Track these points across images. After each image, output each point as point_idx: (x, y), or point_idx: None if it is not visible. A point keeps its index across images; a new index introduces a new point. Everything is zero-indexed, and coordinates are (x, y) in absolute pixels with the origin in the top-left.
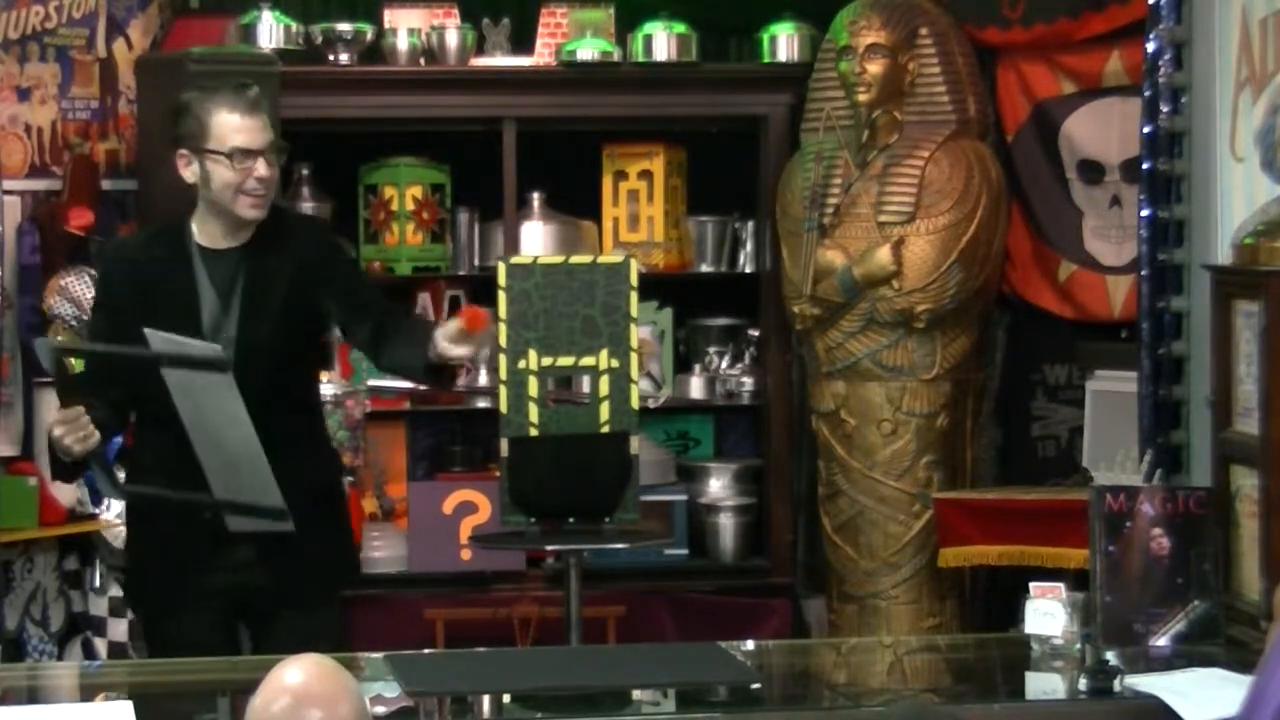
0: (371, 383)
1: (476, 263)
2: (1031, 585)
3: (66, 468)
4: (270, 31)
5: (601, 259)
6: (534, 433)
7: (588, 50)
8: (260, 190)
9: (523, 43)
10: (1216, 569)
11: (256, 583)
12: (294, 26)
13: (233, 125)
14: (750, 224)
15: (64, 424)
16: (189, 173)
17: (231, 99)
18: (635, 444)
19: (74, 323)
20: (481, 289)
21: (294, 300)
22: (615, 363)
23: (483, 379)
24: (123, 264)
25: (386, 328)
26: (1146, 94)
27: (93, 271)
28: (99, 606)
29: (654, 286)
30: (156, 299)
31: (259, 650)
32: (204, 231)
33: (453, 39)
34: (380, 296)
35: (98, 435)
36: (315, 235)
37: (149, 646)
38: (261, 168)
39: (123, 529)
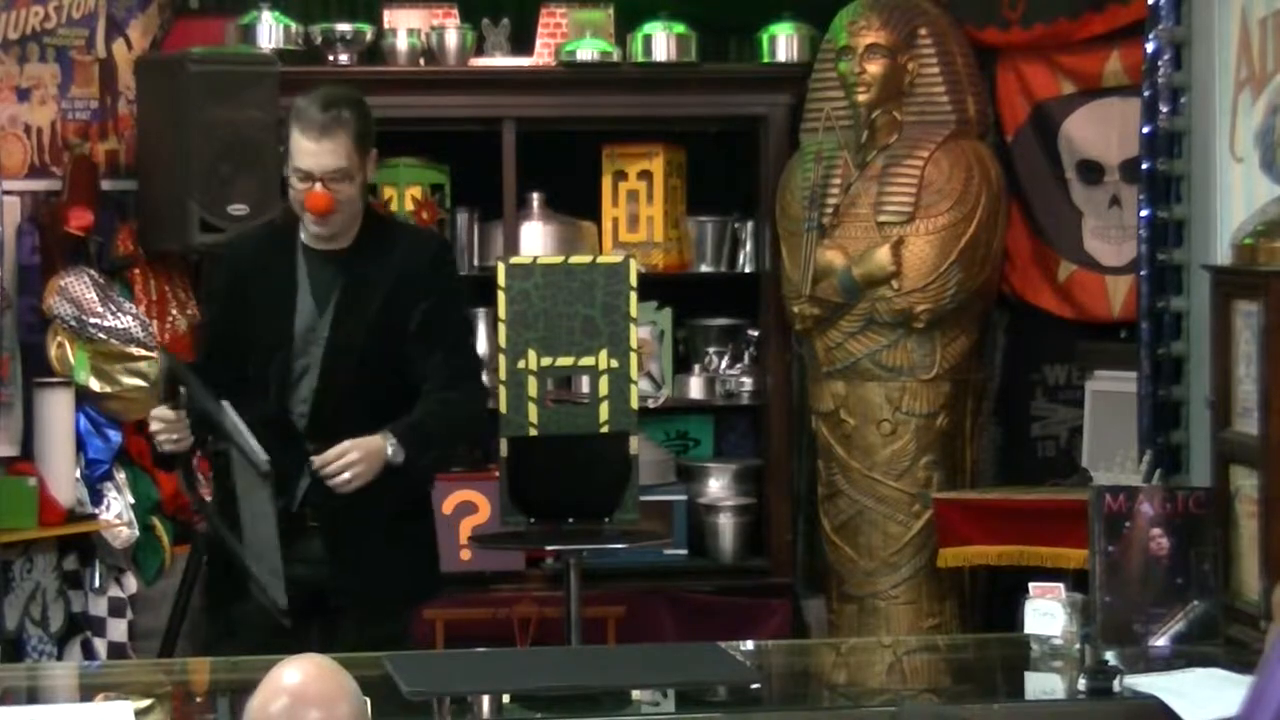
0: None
1: (476, 263)
2: (1031, 585)
3: (164, 459)
4: (270, 32)
5: (601, 259)
6: (534, 433)
7: (587, 50)
8: (318, 212)
9: (522, 43)
10: (1216, 569)
11: (326, 581)
12: (294, 27)
13: (301, 148)
14: (750, 224)
15: (162, 421)
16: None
17: (307, 120)
18: (635, 444)
19: (73, 323)
20: (481, 289)
21: (389, 309)
22: (615, 363)
23: (483, 379)
24: (233, 257)
25: (434, 387)
26: (1146, 94)
27: (92, 272)
28: (99, 606)
29: (653, 286)
30: (257, 295)
31: (323, 650)
32: (307, 233)
33: (452, 39)
34: (459, 355)
35: (191, 440)
36: (424, 248)
37: (210, 634)
38: (319, 191)
39: (123, 529)
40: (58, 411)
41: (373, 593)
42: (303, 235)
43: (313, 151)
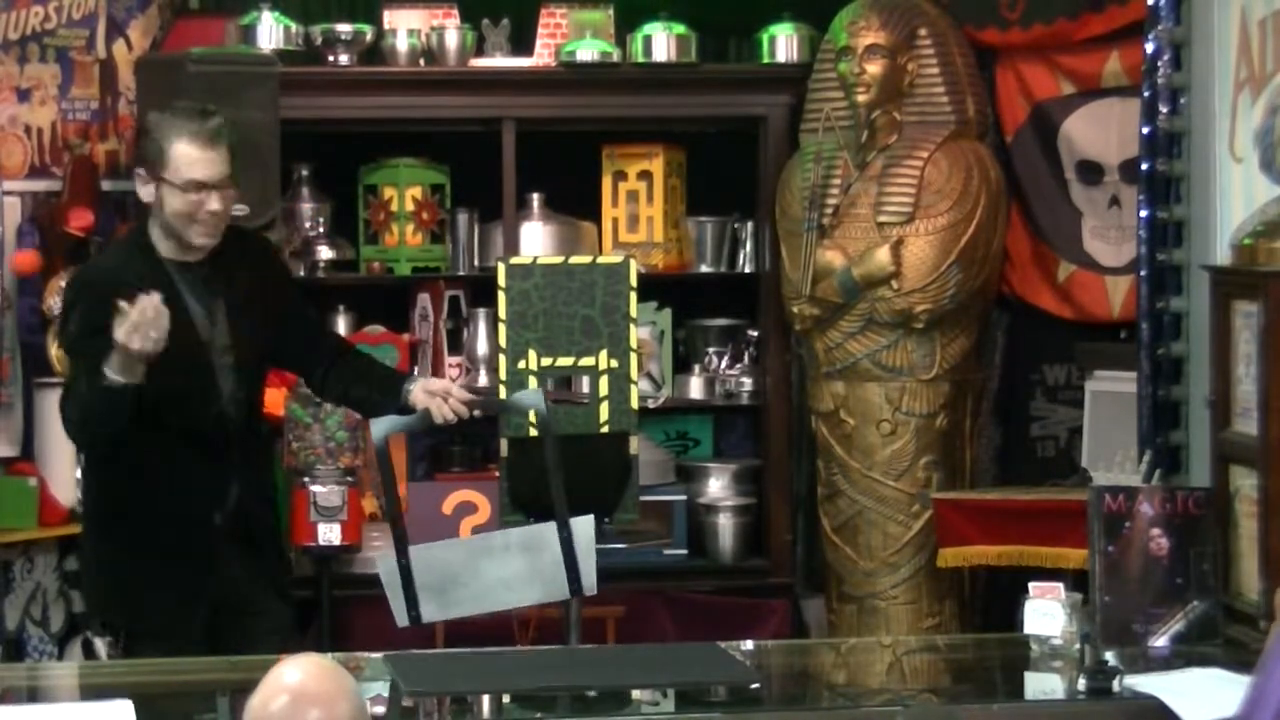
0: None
1: (476, 263)
2: (1031, 585)
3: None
4: (270, 32)
5: (601, 259)
6: (533, 433)
7: (587, 51)
8: (212, 221)
9: (522, 43)
10: (1215, 569)
11: (237, 580)
12: (294, 27)
13: (190, 157)
14: (749, 224)
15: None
16: (145, 192)
17: (193, 130)
18: (635, 444)
19: None
20: (481, 289)
21: (265, 312)
22: (615, 363)
23: (482, 379)
24: (102, 289)
25: (344, 366)
26: (1145, 95)
27: None
28: None
29: (653, 287)
30: None
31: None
32: (165, 247)
33: (452, 39)
34: (329, 329)
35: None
36: (262, 246)
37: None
38: (214, 201)
39: None
40: (58, 411)
41: (264, 584)
42: (162, 249)
43: (206, 159)
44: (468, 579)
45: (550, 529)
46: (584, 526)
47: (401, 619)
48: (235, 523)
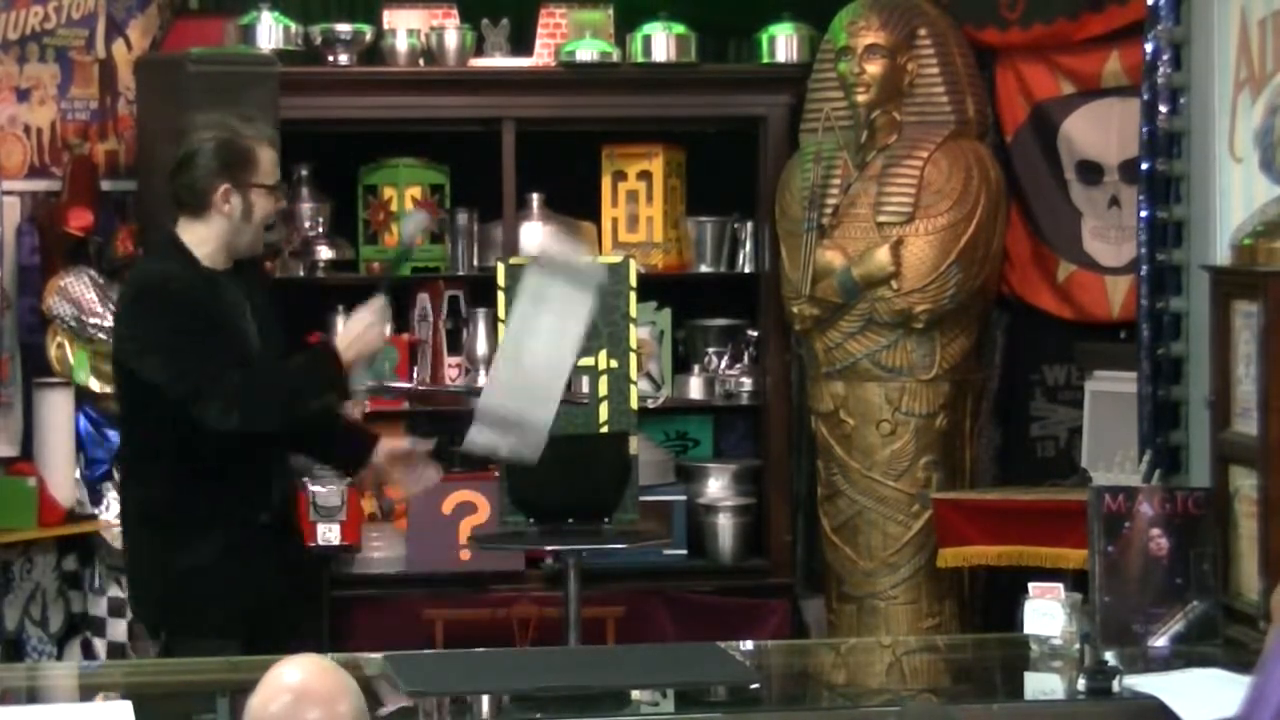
0: (370, 383)
1: (475, 263)
2: (1030, 585)
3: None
4: (269, 32)
5: (600, 259)
6: None
7: (587, 51)
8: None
9: (522, 43)
10: (1215, 569)
11: (275, 578)
12: (293, 27)
13: (272, 160)
14: (749, 224)
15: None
16: (229, 206)
17: (269, 135)
18: (634, 444)
19: (73, 323)
20: (481, 289)
21: (275, 313)
22: (614, 363)
23: (482, 379)
24: (181, 288)
25: None
26: (1145, 95)
27: (92, 273)
28: (98, 607)
29: (653, 287)
30: (215, 316)
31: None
32: (204, 255)
33: (452, 39)
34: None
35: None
36: (260, 263)
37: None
38: (281, 200)
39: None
40: (58, 411)
41: (302, 586)
42: (200, 256)
43: (278, 162)
44: None
45: None
46: None
47: None
48: (277, 521)
